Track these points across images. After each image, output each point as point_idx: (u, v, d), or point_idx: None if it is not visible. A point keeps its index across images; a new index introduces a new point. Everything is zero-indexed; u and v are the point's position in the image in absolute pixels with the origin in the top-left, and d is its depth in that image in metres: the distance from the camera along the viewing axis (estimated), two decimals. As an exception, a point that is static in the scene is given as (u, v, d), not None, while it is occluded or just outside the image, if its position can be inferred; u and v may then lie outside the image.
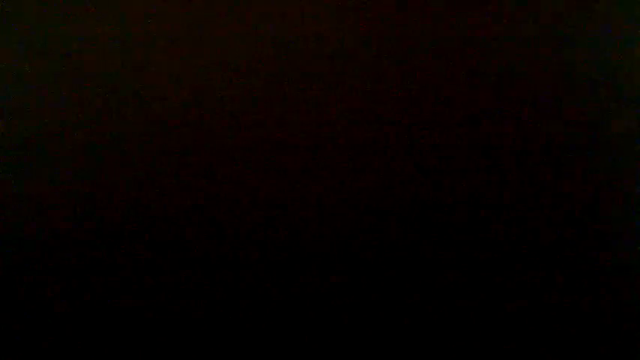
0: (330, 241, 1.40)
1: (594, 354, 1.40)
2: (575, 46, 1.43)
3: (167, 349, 1.39)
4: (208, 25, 1.42)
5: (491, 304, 1.40)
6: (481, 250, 1.41)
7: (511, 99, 1.42)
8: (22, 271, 1.39)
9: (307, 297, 1.40)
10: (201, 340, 1.39)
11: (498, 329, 1.40)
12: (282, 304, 1.40)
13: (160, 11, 1.42)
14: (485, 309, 1.40)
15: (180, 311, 1.39)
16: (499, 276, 1.40)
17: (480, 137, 1.42)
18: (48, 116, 1.40)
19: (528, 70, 1.43)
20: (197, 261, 1.39)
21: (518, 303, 1.40)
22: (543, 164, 1.42)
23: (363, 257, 1.40)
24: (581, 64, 1.43)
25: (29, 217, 1.39)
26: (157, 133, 1.40)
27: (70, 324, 1.39)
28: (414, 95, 1.42)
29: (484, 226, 1.41)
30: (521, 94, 1.42)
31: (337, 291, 1.40)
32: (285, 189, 1.41)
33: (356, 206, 1.41)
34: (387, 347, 1.40)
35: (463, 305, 1.40)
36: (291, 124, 1.41)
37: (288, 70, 1.42)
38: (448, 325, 1.40)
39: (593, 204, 1.41)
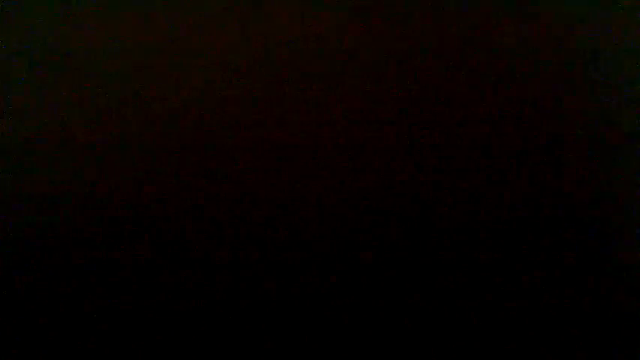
0: (330, 241, 1.40)
1: (594, 354, 1.40)
2: (575, 46, 1.43)
3: (167, 349, 1.39)
4: (208, 26, 1.42)
5: (492, 304, 1.40)
6: (481, 250, 1.40)
7: (511, 99, 1.42)
8: (22, 271, 1.39)
9: (307, 297, 1.40)
10: (201, 340, 1.39)
11: (498, 329, 1.40)
12: (282, 304, 1.40)
13: (160, 12, 1.42)
14: (485, 309, 1.40)
15: (180, 311, 1.39)
16: (499, 276, 1.40)
17: (480, 137, 1.42)
18: (48, 116, 1.40)
19: (528, 70, 1.43)
20: (197, 261, 1.39)
21: (518, 303, 1.40)
22: (543, 164, 1.42)
23: (363, 257, 1.40)
24: (581, 64, 1.43)
25: (29, 217, 1.39)
26: (157, 133, 1.40)
27: (70, 324, 1.39)
28: (414, 95, 1.42)
29: (484, 226, 1.41)
30: (521, 94, 1.42)
31: (337, 291, 1.40)
32: (285, 189, 1.41)
33: (356, 206, 1.41)
34: (387, 347, 1.40)
35: (463, 305, 1.40)
36: (291, 124, 1.41)
37: (288, 70, 1.42)
38: (448, 325, 1.40)
39: (593, 204, 1.41)
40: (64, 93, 1.41)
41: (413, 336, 1.40)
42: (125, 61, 1.41)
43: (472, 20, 1.43)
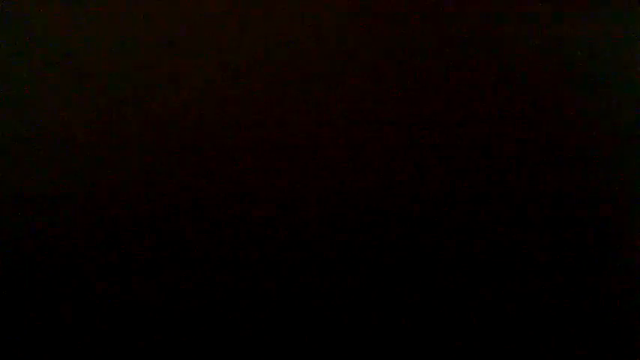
0: (330, 241, 1.40)
1: (594, 354, 1.40)
2: (575, 46, 1.43)
3: (167, 349, 1.39)
4: (208, 26, 1.42)
5: (492, 304, 1.40)
6: (481, 250, 1.40)
7: (511, 99, 1.42)
8: (22, 271, 1.39)
9: (307, 297, 1.40)
10: (201, 339, 1.39)
11: (498, 329, 1.40)
12: (282, 304, 1.40)
13: (160, 11, 1.42)
14: (485, 309, 1.40)
15: (180, 311, 1.39)
16: (499, 276, 1.40)
17: (480, 137, 1.42)
18: (48, 116, 1.40)
19: (528, 70, 1.43)
20: (197, 261, 1.39)
21: (518, 303, 1.40)
22: (543, 164, 1.42)
23: (363, 257, 1.40)
24: (581, 64, 1.43)
25: (29, 217, 1.39)
26: (157, 133, 1.40)
27: (70, 324, 1.39)
28: (414, 95, 1.42)
29: (484, 226, 1.41)
30: (521, 94, 1.42)
31: (337, 291, 1.40)
32: (285, 189, 1.41)
33: (356, 206, 1.41)
34: (387, 347, 1.40)
35: (463, 305, 1.40)
36: (291, 124, 1.41)
37: (288, 70, 1.42)
38: (448, 325, 1.40)
39: (593, 204, 1.41)
40: (64, 93, 1.41)
41: (413, 336, 1.40)
42: (125, 61, 1.41)
43: (472, 20, 1.43)
